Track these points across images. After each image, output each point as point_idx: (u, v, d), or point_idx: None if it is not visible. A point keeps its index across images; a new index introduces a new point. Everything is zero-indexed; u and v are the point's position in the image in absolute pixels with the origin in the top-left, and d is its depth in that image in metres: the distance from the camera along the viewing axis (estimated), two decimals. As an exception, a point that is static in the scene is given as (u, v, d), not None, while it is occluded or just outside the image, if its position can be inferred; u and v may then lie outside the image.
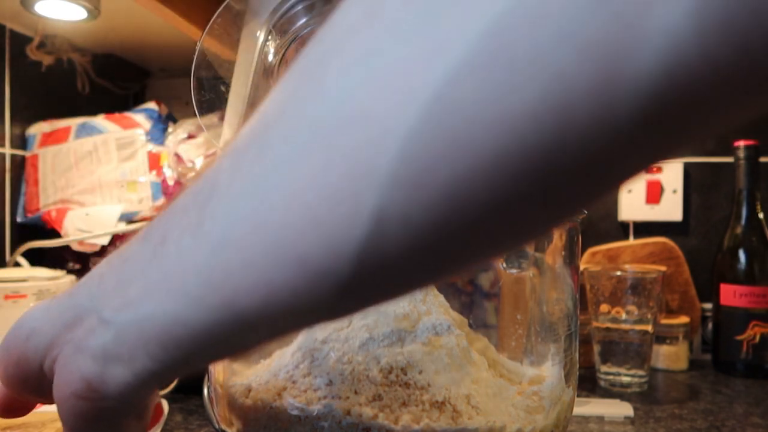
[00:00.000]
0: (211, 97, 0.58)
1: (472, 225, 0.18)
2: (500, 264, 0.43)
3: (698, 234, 1.15)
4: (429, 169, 0.18)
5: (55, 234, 0.82)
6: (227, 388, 0.41)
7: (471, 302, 0.45)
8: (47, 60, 0.92)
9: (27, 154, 0.88)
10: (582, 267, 0.89)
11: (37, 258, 0.82)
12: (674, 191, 1.15)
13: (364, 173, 0.18)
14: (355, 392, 0.36)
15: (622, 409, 0.67)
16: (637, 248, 1.01)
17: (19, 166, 0.88)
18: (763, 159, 0.99)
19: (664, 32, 0.15)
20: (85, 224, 0.81)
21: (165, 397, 0.74)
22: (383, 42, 0.19)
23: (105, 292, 0.26)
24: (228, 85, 0.60)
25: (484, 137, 0.17)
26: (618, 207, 1.17)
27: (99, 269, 0.28)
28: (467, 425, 0.35)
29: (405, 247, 0.19)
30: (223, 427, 0.42)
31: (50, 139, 0.88)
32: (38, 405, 0.35)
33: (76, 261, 0.80)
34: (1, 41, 0.85)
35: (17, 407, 0.33)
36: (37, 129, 0.89)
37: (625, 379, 0.79)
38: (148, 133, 0.87)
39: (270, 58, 0.53)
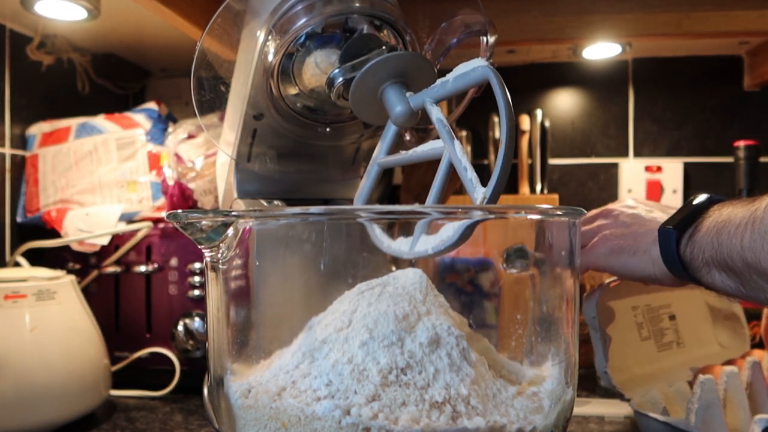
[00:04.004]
0: (211, 97, 0.58)
1: None
2: (500, 264, 0.43)
3: (698, 234, 1.14)
4: None
5: (55, 234, 0.82)
6: (227, 389, 0.41)
7: (471, 302, 0.45)
8: (47, 60, 0.92)
9: (27, 154, 0.88)
10: (582, 267, 0.89)
11: (37, 258, 0.82)
12: (674, 191, 1.15)
13: None
14: (355, 392, 0.36)
15: (622, 409, 0.67)
16: (637, 248, 1.01)
17: (19, 166, 0.88)
18: (763, 159, 0.99)
19: None
20: (85, 224, 0.81)
21: (165, 397, 0.74)
22: None
23: None
24: (228, 85, 0.60)
25: None
26: (618, 207, 1.17)
27: None
28: (467, 425, 0.35)
29: None
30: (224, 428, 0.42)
31: (50, 139, 0.88)
32: None
33: (76, 261, 0.80)
34: (1, 41, 0.85)
35: None
36: (37, 129, 0.89)
37: (625, 379, 0.79)
38: (148, 133, 0.87)
39: (270, 58, 0.53)
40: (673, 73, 1.18)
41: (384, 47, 0.52)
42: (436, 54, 0.57)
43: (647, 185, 1.15)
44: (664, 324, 0.70)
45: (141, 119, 0.88)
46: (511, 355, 0.44)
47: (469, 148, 1.20)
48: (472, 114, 0.97)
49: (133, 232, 0.78)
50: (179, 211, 0.39)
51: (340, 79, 0.51)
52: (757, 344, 0.79)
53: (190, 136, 0.84)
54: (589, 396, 0.75)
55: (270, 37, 0.52)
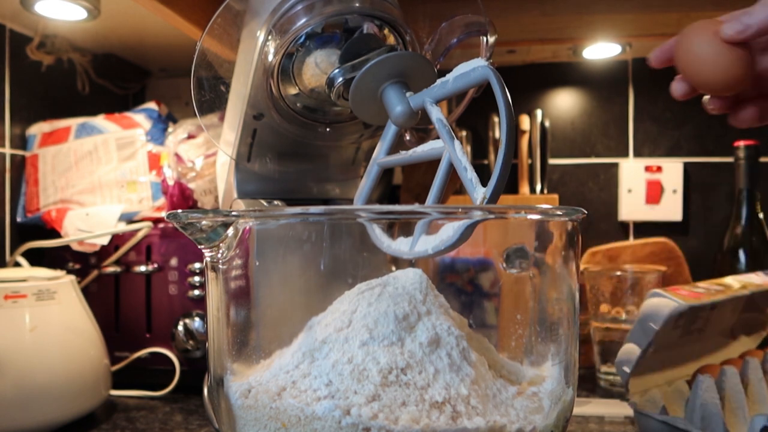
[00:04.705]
0: (211, 97, 0.58)
1: None
2: (500, 264, 0.43)
3: (698, 234, 1.15)
4: None
5: (55, 234, 0.82)
6: (227, 389, 0.41)
7: (471, 302, 0.45)
8: (47, 60, 0.92)
9: (27, 154, 0.88)
10: (582, 267, 0.89)
11: (37, 258, 0.82)
12: (674, 191, 1.15)
13: None
14: (355, 392, 0.36)
15: (622, 409, 0.67)
16: (637, 248, 1.01)
17: (19, 166, 0.88)
18: (763, 159, 0.99)
19: None
20: (85, 224, 0.81)
21: (165, 397, 0.74)
22: None
23: None
24: (228, 85, 0.60)
25: None
26: (618, 207, 1.17)
27: None
28: (467, 425, 0.35)
29: None
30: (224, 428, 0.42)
31: (50, 139, 0.88)
32: None
33: (76, 261, 0.80)
34: (1, 41, 0.85)
35: None
36: (37, 129, 0.89)
37: (625, 379, 0.79)
38: (148, 133, 0.87)
39: (270, 58, 0.53)
40: (674, 73, 1.18)
41: (384, 47, 0.52)
42: (436, 54, 0.57)
43: (647, 185, 1.15)
44: (704, 312, 0.65)
45: (141, 119, 0.88)
46: (511, 355, 0.44)
47: (469, 148, 1.20)
48: (472, 114, 0.97)
49: (133, 232, 0.78)
50: (179, 211, 0.39)
51: (340, 79, 0.51)
52: (759, 344, 0.79)
53: (190, 136, 0.84)
54: (589, 396, 0.75)
55: (270, 37, 0.52)
